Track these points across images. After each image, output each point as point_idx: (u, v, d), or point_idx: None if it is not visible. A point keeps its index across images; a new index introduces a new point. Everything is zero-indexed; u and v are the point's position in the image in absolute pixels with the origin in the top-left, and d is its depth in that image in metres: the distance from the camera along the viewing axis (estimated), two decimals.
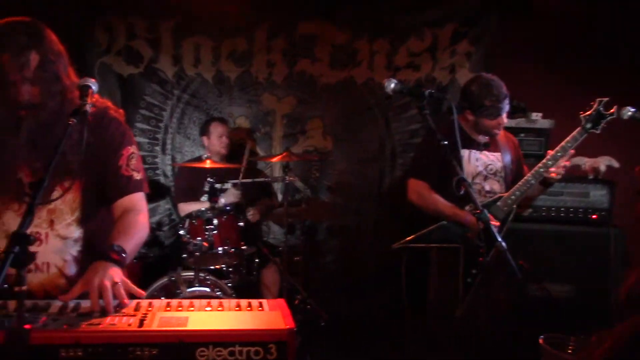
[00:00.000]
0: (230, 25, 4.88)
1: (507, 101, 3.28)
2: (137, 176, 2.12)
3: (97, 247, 2.07)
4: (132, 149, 2.12)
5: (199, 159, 4.52)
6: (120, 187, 2.09)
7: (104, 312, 1.66)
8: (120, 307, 1.71)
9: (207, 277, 3.73)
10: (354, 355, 4.30)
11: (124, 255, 1.89)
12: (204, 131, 4.58)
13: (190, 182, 4.46)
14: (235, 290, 3.83)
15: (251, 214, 4.45)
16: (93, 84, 1.78)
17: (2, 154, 1.86)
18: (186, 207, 4.39)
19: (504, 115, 3.32)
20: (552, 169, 3.20)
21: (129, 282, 1.79)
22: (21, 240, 1.38)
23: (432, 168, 3.24)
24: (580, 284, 3.81)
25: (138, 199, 2.13)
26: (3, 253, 1.40)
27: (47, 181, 1.54)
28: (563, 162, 3.23)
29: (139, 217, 2.08)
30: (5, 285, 1.60)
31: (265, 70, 4.96)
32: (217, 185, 3.98)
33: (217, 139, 4.47)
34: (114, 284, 1.73)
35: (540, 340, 3.06)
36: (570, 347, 2.98)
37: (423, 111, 2.23)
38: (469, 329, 3.07)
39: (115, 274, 1.78)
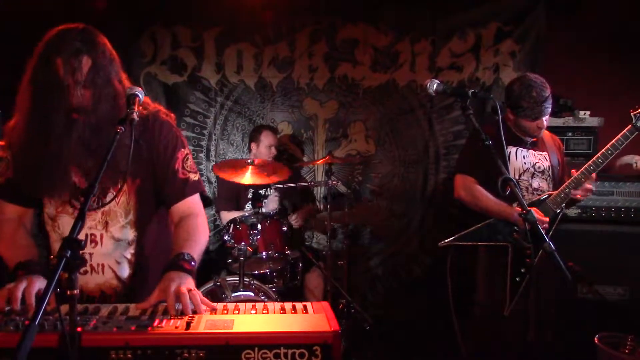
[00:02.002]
0: (271, 32, 4.93)
1: (547, 104, 3.18)
2: (194, 177, 2.16)
3: (151, 250, 2.12)
4: (186, 150, 2.16)
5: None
6: (178, 191, 2.12)
7: (152, 315, 1.69)
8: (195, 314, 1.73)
9: (252, 281, 3.75)
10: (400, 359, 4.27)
11: (193, 264, 1.93)
12: (254, 138, 4.56)
13: (233, 188, 4.44)
14: (279, 294, 3.84)
15: (294, 219, 4.46)
16: (140, 92, 1.81)
17: (57, 157, 1.90)
18: (228, 216, 4.40)
19: (544, 118, 3.23)
20: (578, 191, 3.17)
21: (200, 292, 1.82)
22: (72, 245, 1.41)
23: (479, 165, 3.19)
24: (634, 286, 3.68)
25: (195, 202, 2.16)
26: (55, 257, 1.44)
27: (98, 187, 1.57)
28: (588, 186, 3.17)
29: (198, 221, 2.12)
30: (58, 289, 1.66)
31: (307, 75, 4.99)
32: (261, 191, 4.00)
33: (266, 149, 4.47)
34: (190, 290, 1.78)
35: (596, 339, 2.98)
36: (627, 347, 2.90)
37: (466, 111, 2.19)
38: (517, 329, 3.00)
39: (189, 283, 1.83)
